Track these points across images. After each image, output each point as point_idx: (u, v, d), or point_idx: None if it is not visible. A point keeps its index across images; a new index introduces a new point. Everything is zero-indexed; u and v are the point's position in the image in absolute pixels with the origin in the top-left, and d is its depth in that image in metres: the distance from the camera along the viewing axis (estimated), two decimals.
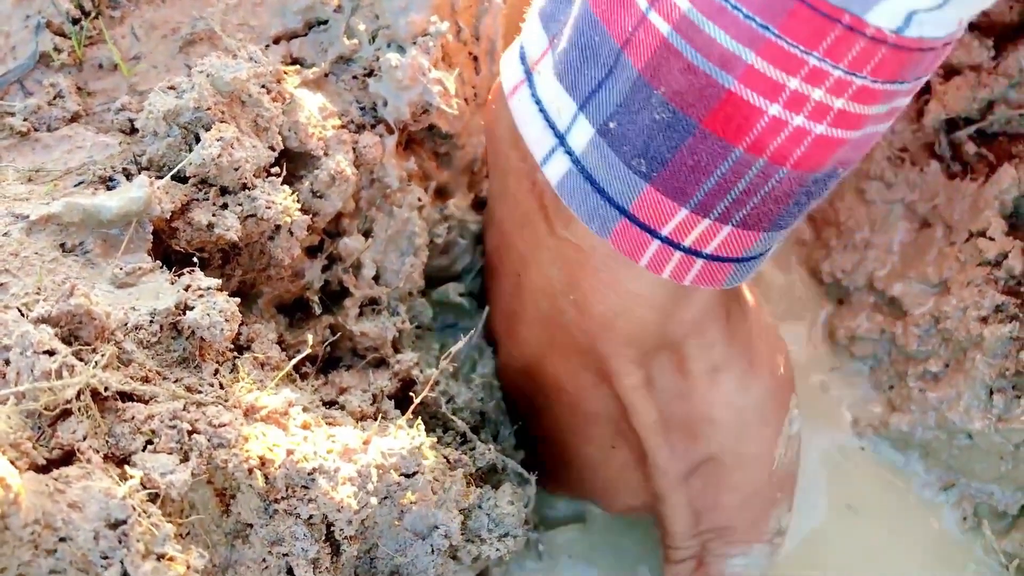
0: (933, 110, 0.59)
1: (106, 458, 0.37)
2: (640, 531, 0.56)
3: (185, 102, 0.44)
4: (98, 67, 0.50)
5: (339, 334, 0.50)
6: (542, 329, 0.50)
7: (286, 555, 0.40)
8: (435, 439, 0.47)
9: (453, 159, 0.55)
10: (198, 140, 0.44)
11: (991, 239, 0.55)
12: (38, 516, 0.33)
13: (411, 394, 0.48)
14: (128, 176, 0.45)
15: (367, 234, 0.51)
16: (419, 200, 0.52)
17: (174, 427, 0.38)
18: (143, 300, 0.41)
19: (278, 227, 0.46)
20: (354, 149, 0.50)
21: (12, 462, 0.34)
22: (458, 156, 0.55)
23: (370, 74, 0.51)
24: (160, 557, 0.35)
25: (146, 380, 0.40)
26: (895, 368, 0.59)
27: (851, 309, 0.60)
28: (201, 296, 0.41)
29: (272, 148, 0.46)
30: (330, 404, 0.47)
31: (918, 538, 0.57)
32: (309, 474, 0.40)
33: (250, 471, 0.39)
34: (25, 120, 0.47)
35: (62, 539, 0.33)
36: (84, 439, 0.36)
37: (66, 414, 0.37)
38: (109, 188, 0.45)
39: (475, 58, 0.55)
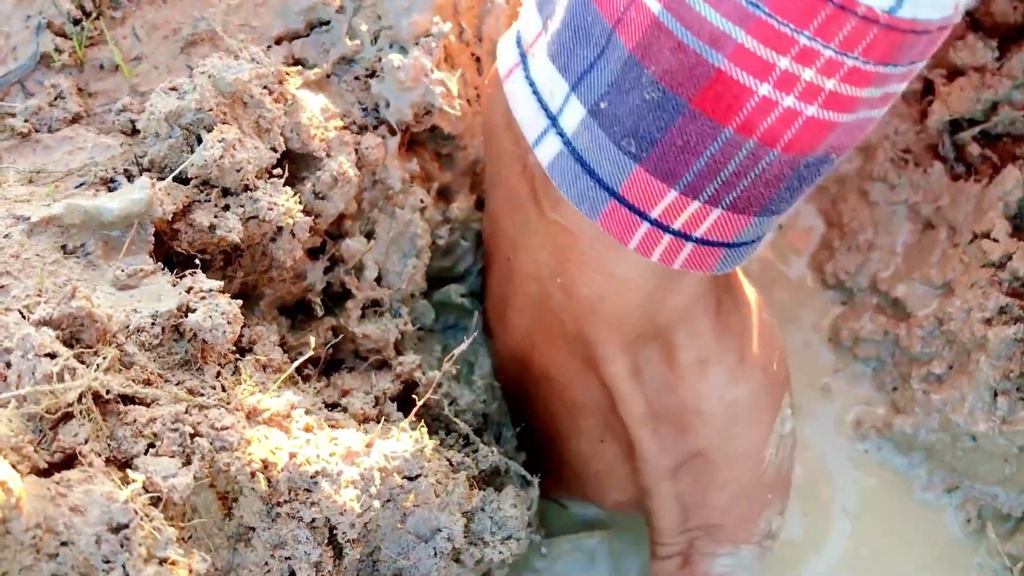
0: (937, 111, 0.59)
1: (108, 461, 0.37)
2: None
3: (187, 103, 0.44)
4: (99, 68, 0.50)
5: (341, 336, 0.50)
6: (531, 315, 0.49)
7: (288, 559, 0.40)
8: (438, 441, 0.47)
9: (455, 160, 0.55)
10: (200, 141, 0.44)
11: (995, 241, 0.55)
12: (40, 520, 0.33)
13: (413, 396, 0.48)
14: (129, 177, 0.45)
15: (369, 236, 0.51)
16: (421, 202, 0.52)
17: (176, 430, 0.38)
18: (145, 302, 0.41)
19: (280, 229, 0.46)
20: (356, 150, 0.50)
21: (13, 466, 0.34)
22: (460, 157, 0.55)
23: (372, 75, 0.51)
24: (162, 561, 0.35)
25: (148, 383, 0.39)
26: (899, 370, 0.59)
27: (854, 311, 0.60)
28: (203, 298, 0.41)
29: (274, 149, 0.46)
30: (332, 406, 0.47)
31: (921, 541, 0.57)
32: (312, 477, 0.39)
33: (252, 474, 0.39)
34: (26, 121, 0.47)
35: (64, 543, 0.33)
36: (86, 442, 0.36)
37: (68, 417, 0.37)
38: (110, 189, 0.44)
39: (477, 59, 0.55)
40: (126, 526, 0.34)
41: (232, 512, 0.39)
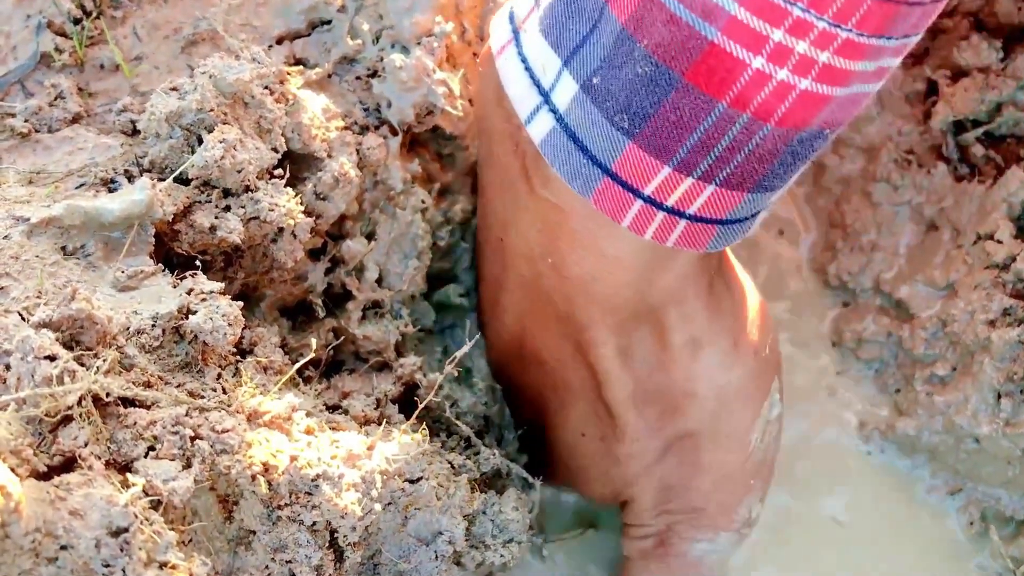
0: (941, 112, 0.59)
1: (108, 465, 0.37)
2: None
3: (187, 103, 0.44)
4: (100, 68, 0.50)
5: (342, 338, 0.50)
6: (523, 297, 0.49)
7: (289, 562, 0.40)
8: (439, 444, 0.47)
9: (457, 161, 0.55)
10: (200, 142, 0.44)
11: (999, 242, 0.55)
12: (39, 524, 0.33)
13: (415, 398, 0.48)
14: (130, 178, 0.45)
15: (370, 237, 0.51)
16: (423, 202, 0.52)
17: (176, 433, 0.38)
18: (145, 304, 0.41)
19: (281, 230, 0.45)
20: (358, 151, 0.49)
21: (13, 469, 0.33)
22: (462, 158, 0.54)
23: (374, 75, 0.51)
24: (162, 565, 0.35)
25: (148, 385, 0.39)
26: (902, 371, 0.58)
27: (857, 312, 0.60)
28: (204, 300, 0.41)
29: (275, 150, 0.46)
30: (333, 409, 0.47)
31: (924, 543, 0.57)
32: (313, 480, 0.39)
33: (253, 477, 0.39)
34: (26, 121, 0.47)
35: (63, 547, 0.33)
36: (85, 445, 0.36)
37: (67, 420, 0.36)
38: (111, 190, 0.44)
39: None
40: (126, 530, 0.34)
41: (233, 515, 0.39)
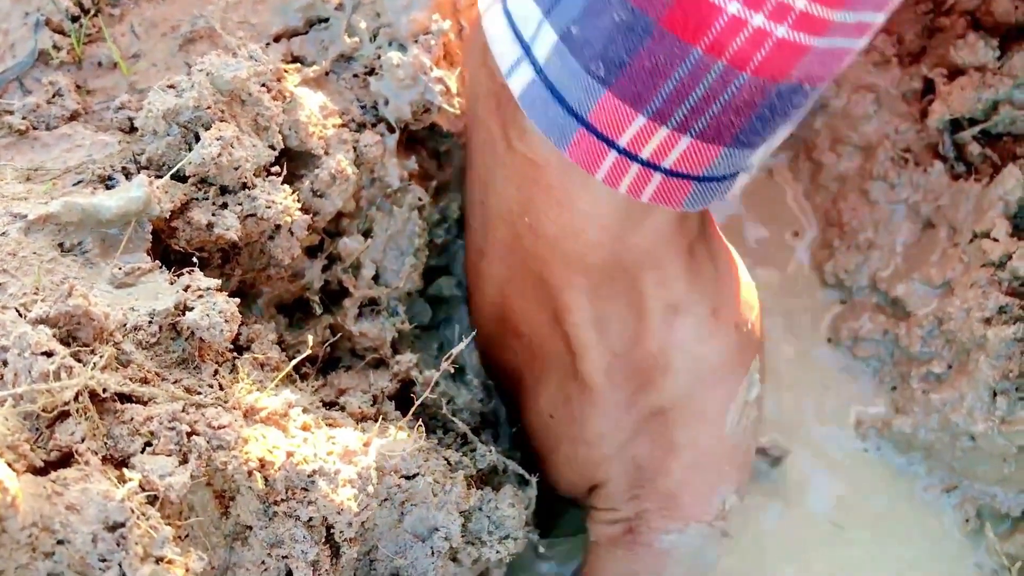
0: (937, 111, 0.59)
1: (105, 460, 0.37)
2: None
3: (185, 101, 0.44)
4: (97, 65, 0.50)
5: (339, 335, 0.50)
6: (501, 263, 0.49)
7: (285, 557, 0.40)
8: (435, 440, 0.47)
9: (454, 158, 0.55)
10: (198, 139, 0.44)
11: (995, 240, 0.55)
12: (36, 519, 0.33)
13: (411, 395, 0.48)
14: (127, 175, 0.45)
15: (367, 234, 0.51)
16: (419, 200, 0.52)
17: (173, 429, 0.38)
18: (142, 300, 0.41)
19: (278, 227, 0.46)
20: (355, 148, 0.49)
21: (10, 464, 0.34)
22: (459, 156, 0.54)
23: (371, 72, 0.51)
24: (159, 560, 0.35)
25: (145, 381, 0.39)
26: (898, 369, 0.58)
27: (854, 310, 0.60)
28: (201, 296, 0.41)
29: (272, 147, 0.46)
30: (330, 405, 0.47)
31: (920, 540, 0.57)
32: (309, 476, 0.39)
33: (250, 473, 0.39)
34: (24, 118, 0.47)
35: (60, 542, 0.33)
36: (82, 441, 0.36)
37: (64, 416, 0.36)
38: (108, 187, 0.44)
39: None
40: (122, 524, 0.34)
41: (229, 511, 0.39)
